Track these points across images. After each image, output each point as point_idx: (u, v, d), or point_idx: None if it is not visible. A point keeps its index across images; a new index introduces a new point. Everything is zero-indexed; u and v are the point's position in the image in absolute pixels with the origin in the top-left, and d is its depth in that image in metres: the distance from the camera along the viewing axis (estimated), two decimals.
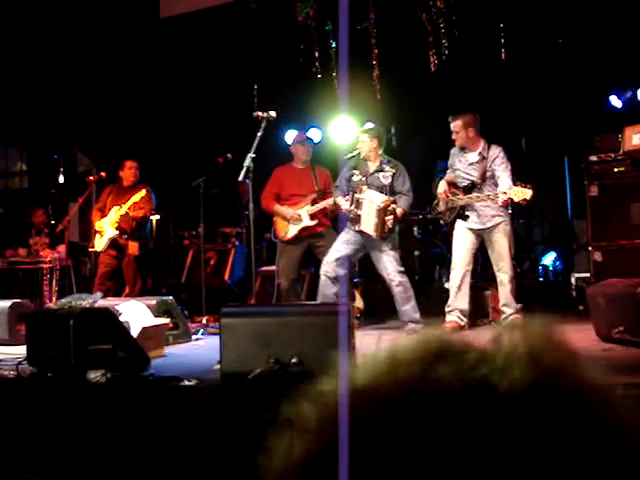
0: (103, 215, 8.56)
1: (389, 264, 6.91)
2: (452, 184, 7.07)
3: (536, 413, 0.55)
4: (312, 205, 7.68)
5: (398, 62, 8.81)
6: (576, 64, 8.49)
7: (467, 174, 6.96)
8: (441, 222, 7.37)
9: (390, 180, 7.05)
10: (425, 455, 0.54)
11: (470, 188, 6.90)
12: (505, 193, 6.43)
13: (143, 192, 8.46)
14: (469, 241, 6.95)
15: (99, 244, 8.54)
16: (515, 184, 6.49)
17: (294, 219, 7.67)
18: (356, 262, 7.70)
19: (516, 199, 6.42)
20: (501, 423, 0.54)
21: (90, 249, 8.93)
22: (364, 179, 7.07)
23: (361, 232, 6.94)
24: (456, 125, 6.90)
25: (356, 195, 6.93)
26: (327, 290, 7.00)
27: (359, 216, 6.89)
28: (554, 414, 0.55)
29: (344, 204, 7.13)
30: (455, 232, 7.03)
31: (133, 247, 8.51)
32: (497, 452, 0.53)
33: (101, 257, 8.59)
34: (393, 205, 6.83)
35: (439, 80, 8.74)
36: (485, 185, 6.82)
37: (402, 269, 6.95)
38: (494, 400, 0.55)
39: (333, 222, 7.73)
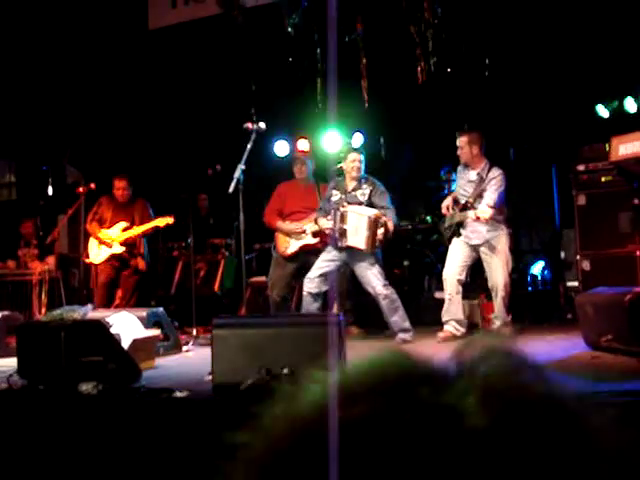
0: (103, 227, 8.48)
1: (374, 279, 6.94)
2: (456, 201, 7.14)
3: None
4: (315, 223, 7.54)
5: (386, 73, 8.85)
6: (563, 74, 8.55)
7: (464, 191, 7.05)
8: (446, 238, 7.34)
9: (367, 197, 7.10)
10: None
11: (465, 206, 6.97)
12: (482, 212, 6.55)
13: (151, 215, 8.47)
14: (463, 253, 6.99)
15: (98, 256, 8.44)
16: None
17: (297, 233, 7.64)
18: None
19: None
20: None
21: (86, 260, 8.78)
22: (343, 197, 7.12)
23: (348, 247, 6.93)
24: (462, 141, 7.01)
25: (340, 210, 6.95)
26: (310, 306, 7.03)
27: (345, 230, 6.89)
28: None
29: (326, 224, 7.17)
30: (451, 245, 7.07)
31: (142, 263, 8.47)
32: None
33: (102, 266, 8.44)
34: (384, 218, 6.87)
35: (428, 91, 8.79)
36: (477, 204, 6.87)
37: (387, 282, 6.98)
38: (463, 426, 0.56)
39: None
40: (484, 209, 6.56)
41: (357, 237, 6.82)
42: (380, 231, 6.81)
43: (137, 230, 8.35)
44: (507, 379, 0.59)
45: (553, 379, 0.61)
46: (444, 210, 7.18)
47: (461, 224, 6.98)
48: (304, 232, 7.58)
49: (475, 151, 6.99)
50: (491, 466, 0.54)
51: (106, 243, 8.38)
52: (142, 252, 8.50)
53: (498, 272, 6.83)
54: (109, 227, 8.42)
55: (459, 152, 7.07)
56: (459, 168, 7.26)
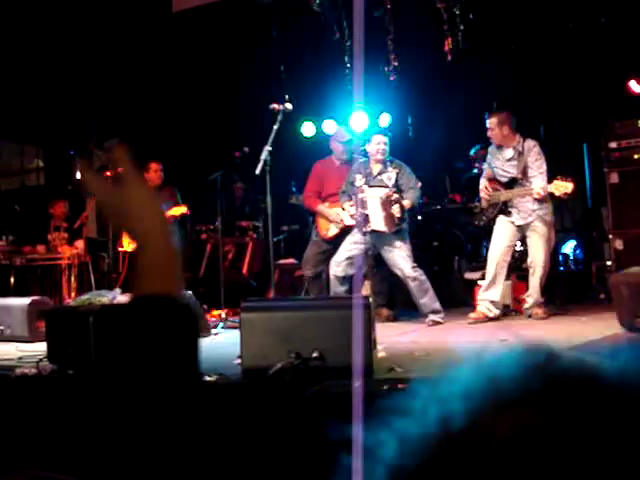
0: None
1: (402, 261, 6.86)
2: (493, 180, 7.05)
3: None
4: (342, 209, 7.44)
5: (415, 51, 8.74)
6: (595, 49, 8.39)
7: (505, 171, 6.96)
8: (482, 220, 7.22)
9: (394, 180, 7.00)
10: None
11: (511, 183, 6.89)
12: (543, 189, 6.48)
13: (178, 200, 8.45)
14: (509, 234, 6.91)
15: (130, 243, 8.48)
16: (556, 178, 6.50)
17: (336, 221, 7.55)
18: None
19: (557, 193, 6.48)
20: None
21: (119, 249, 8.82)
22: (365, 180, 7.00)
23: (374, 232, 6.87)
24: (491, 122, 6.94)
25: (359, 196, 6.88)
26: (337, 288, 7.00)
27: (367, 216, 6.83)
28: None
29: (350, 210, 7.10)
30: (496, 226, 6.98)
31: None
32: None
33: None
34: (396, 195, 6.79)
35: (456, 69, 8.67)
36: (526, 180, 6.79)
37: (415, 264, 6.88)
38: None
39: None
40: (542, 186, 6.54)
41: (377, 220, 6.77)
42: (395, 208, 6.74)
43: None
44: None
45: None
46: (483, 192, 7.07)
47: (506, 203, 6.89)
48: (342, 220, 7.42)
49: (505, 131, 6.91)
50: None
51: None
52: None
53: (539, 249, 6.73)
54: None
55: (490, 133, 6.98)
56: (491, 149, 7.15)
